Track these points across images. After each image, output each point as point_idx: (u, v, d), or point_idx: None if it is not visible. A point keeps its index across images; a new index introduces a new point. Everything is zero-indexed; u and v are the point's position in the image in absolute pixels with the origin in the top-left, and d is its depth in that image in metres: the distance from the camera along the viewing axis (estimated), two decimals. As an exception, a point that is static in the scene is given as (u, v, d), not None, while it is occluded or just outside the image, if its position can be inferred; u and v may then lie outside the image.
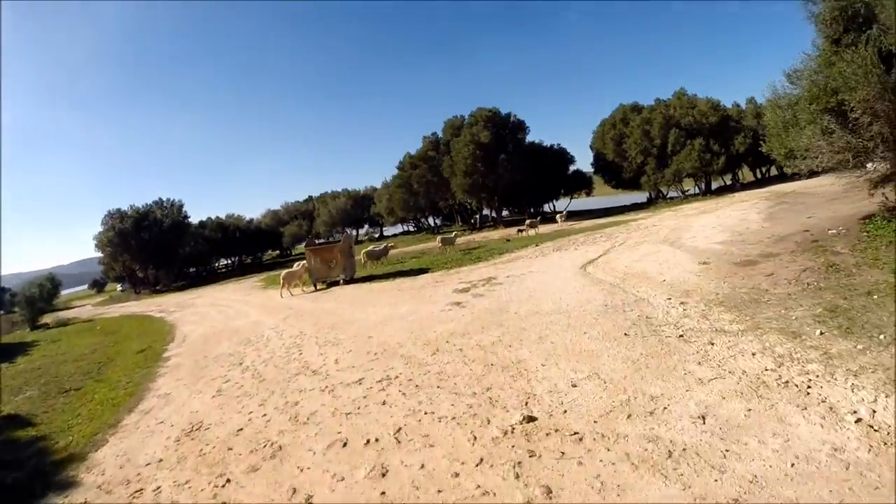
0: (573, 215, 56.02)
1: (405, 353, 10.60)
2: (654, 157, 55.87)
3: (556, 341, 9.61)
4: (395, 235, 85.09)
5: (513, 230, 50.78)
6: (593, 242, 25.00)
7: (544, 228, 44.65)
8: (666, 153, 55.25)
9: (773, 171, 71.33)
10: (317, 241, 27.94)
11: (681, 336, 8.88)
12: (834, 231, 16.66)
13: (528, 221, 45.19)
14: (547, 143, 64.97)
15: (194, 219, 71.48)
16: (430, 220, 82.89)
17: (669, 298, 11.68)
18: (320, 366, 11.00)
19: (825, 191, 35.78)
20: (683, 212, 37.02)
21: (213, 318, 22.47)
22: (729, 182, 63.36)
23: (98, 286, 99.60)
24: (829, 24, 15.09)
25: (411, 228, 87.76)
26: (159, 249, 60.93)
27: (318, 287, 25.16)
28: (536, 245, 27.75)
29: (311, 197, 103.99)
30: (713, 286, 12.21)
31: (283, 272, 26.67)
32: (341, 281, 24.82)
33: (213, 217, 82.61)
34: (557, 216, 50.35)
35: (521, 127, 60.28)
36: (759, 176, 69.72)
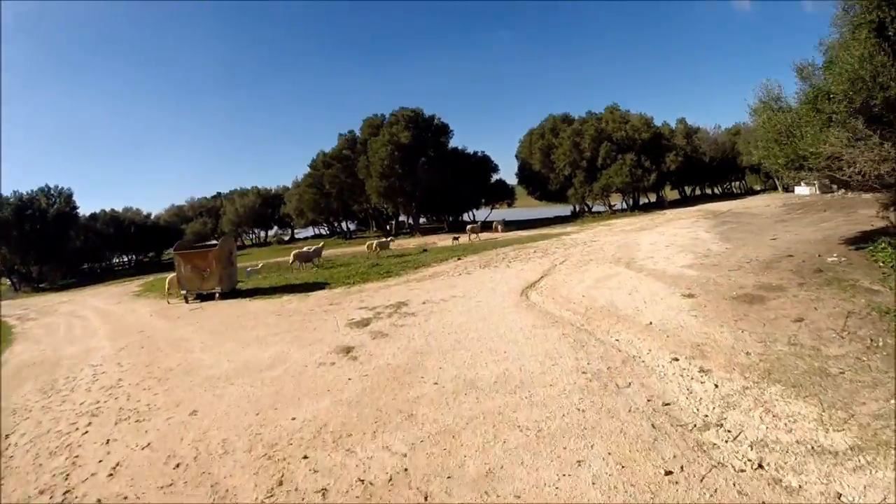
0: (486, 228, 52.40)
1: (218, 482, 5.73)
2: (583, 170, 52.87)
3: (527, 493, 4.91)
4: (305, 239, 79.10)
5: (431, 238, 46.57)
6: (527, 258, 20.86)
7: (462, 240, 40.55)
8: (596, 167, 52.40)
9: (697, 191, 70.77)
10: (195, 245, 22.40)
11: (758, 467, 4.55)
12: (834, 259, 13.63)
13: (469, 227, 41.59)
14: (471, 149, 61.04)
15: (87, 210, 63.66)
16: (344, 225, 77.56)
17: (676, 358, 7.53)
18: (77, 483, 6.07)
19: (764, 211, 33.96)
20: (617, 227, 33.74)
21: (53, 336, 17.28)
22: (654, 199, 61.34)
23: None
24: (869, 9, 11.73)
25: (323, 232, 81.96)
26: (43, 242, 53.02)
27: (189, 300, 19.89)
28: (459, 258, 23.34)
29: (219, 193, 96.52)
30: (728, 336, 8.24)
31: (169, 276, 21.65)
32: (216, 295, 19.55)
33: (106, 209, 74.42)
34: (498, 224, 46.38)
35: (444, 130, 56.12)
36: (684, 194, 68.54)
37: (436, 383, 7.67)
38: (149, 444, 6.85)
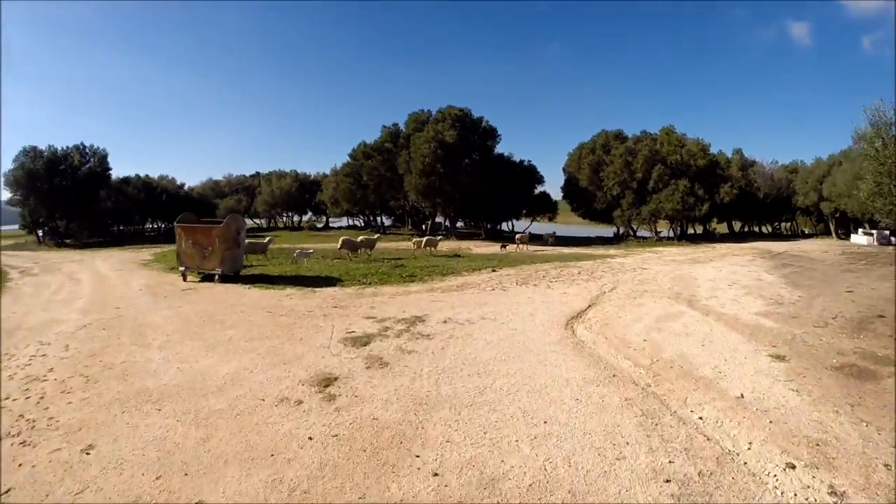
0: (533, 239, 50.25)
1: None
2: (632, 192, 50.27)
3: None
4: (338, 228, 77.77)
5: (466, 243, 44.47)
6: (570, 280, 18.56)
7: (492, 249, 38.45)
8: (646, 189, 49.76)
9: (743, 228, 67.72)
10: (202, 220, 20.69)
11: None
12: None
13: (518, 236, 40.09)
14: (517, 157, 58.78)
15: (123, 173, 63.13)
16: (380, 219, 75.97)
17: (792, 465, 5.20)
18: None
19: (824, 258, 31.45)
20: (666, 256, 31.13)
21: (38, 297, 15.99)
22: (699, 231, 58.36)
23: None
24: None
25: (358, 224, 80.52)
26: (72, 199, 52.67)
27: (186, 278, 18.24)
28: (493, 269, 21.15)
29: (257, 173, 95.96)
30: (851, 432, 6.07)
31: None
32: (216, 277, 17.84)
33: (140, 175, 74.11)
34: (549, 237, 44.59)
35: (491, 133, 53.86)
36: (732, 230, 65.49)
37: (436, 474, 5.01)
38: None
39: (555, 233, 49.34)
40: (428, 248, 31.76)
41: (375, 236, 30.18)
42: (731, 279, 19.73)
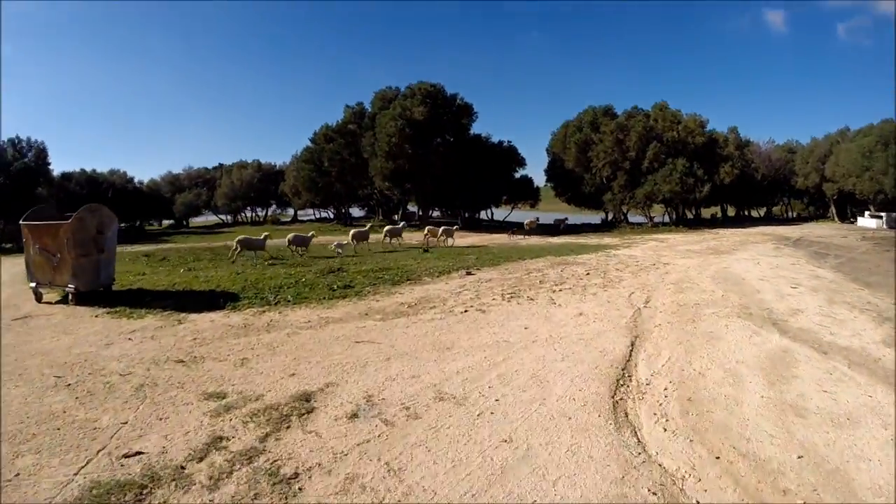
0: (514, 227, 44.97)
1: None
2: (624, 173, 44.89)
3: None
4: (306, 221, 71.90)
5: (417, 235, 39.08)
6: (578, 285, 13.00)
7: (470, 240, 32.86)
8: (640, 169, 44.43)
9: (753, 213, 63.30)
10: (62, 215, 14.58)
11: None
12: None
13: (527, 222, 37.61)
14: (495, 138, 52.73)
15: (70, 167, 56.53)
16: (352, 211, 69.87)
17: None
18: None
19: (848, 243, 28.89)
20: (678, 245, 25.84)
21: None
22: (690, 216, 53.14)
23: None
24: None
25: (329, 216, 73.72)
26: (6, 197, 46.31)
27: (41, 297, 12.40)
28: (468, 272, 15.50)
29: (220, 165, 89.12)
30: None
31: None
32: (70, 296, 12.02)
33: (86, 169, 67.31)
34: (532, 223, 39.06)
35: (466, 111, 47.70)
36: (725, 214, 60.71)
37: None
38: None
39: (538, 218, 44.24)
40: (389, 239, 27.56)
41: (311, 233, 24.57)
42: (787, 278, 14.94)
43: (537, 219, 42.83)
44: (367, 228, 27.07)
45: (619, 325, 9.09)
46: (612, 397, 5.87)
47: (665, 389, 6.15)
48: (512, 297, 11.46)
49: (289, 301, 11.29)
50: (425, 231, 29.49)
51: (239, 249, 21.49)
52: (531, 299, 11.24)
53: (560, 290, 12.30)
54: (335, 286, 12.73)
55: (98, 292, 12.48)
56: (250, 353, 7.79)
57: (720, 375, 6.65)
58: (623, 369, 6.80)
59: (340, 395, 6.00)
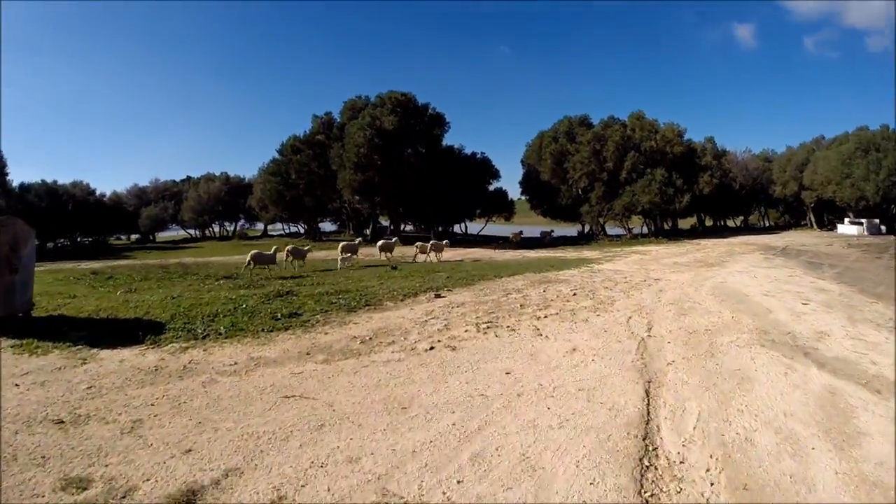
0: (487, 241, 43.39)
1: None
2: (602, 184, 43.53)
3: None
4: (277, 237, 69.51)
5: (412, 249, 37.17)
6: (565, 308, 11.21)
7: (443, 255, 31.08)
8: (618, 180, 43.10)
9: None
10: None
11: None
12: None
13: (512, 234, 38.10)
14: (469, 150, 51.23)
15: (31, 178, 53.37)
16: (324, 225, 67.40)
17: None
18: None
19: (836, 251, 28.31)
20: (663, 259, 24.26)
21: None
22: (667, 227, 51.88)
23: None
24: None
25: (300, 230, 70.59)
26: None
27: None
28: (437, 294, 13.48)
29: (188, 177, 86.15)
30: None
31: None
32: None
33: (47, 181, 64.12)
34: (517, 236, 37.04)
35: (438, 121, 46.22)
36: (703, 224, 59.69)
37: None
38: None
39: (522, 231, 43.30)
40: (290, 258, 24.46)
41: (273, 249, 22.76)
42: (791, 292, 13.87)
43: (521, 232, 41.60)
44: (356, 242, 26.62)
45: (623, 364, 7.28)
46: (641, 494, 4.03)
47: (708, 472, 4.35)
48: (489, 326, 9.58)
49: (220, 334, 9.30)
50: (416, 246, 29.24)
51: (252, 265, 21.60)
52: (512, 329, 9.38)
53: (545, 317, 10.47)
54: (280, 314, 10.73)
55: (14, 318, 10.42)
56: (148, 411, 5.90)
57: (773, 441, 4.89)
58: (644, 438, 4.96)
59: (240, 494, 4.08)
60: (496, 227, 55.65)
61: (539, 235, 44.95)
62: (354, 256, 26.13)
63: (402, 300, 12.56)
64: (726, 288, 14.48)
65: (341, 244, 26.78)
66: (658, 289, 14.39)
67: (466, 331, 9.31)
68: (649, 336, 8.91)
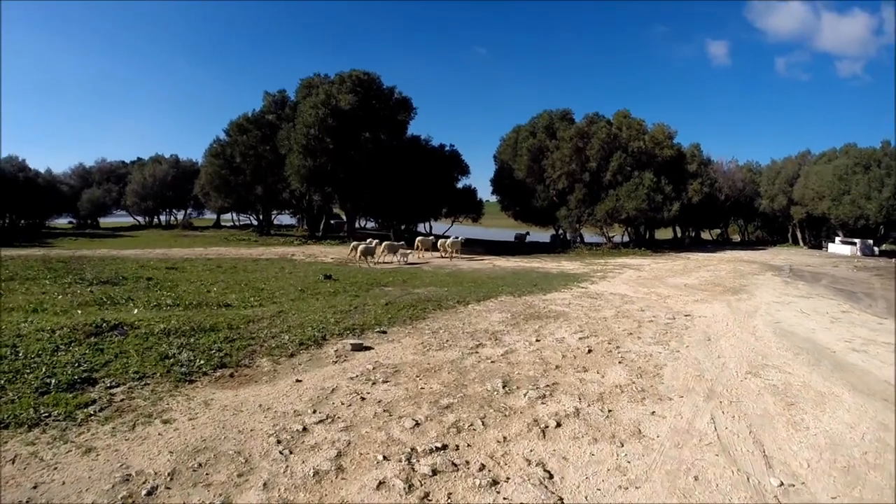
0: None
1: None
2: (583, 186, 38.71)
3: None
4: (228, 227, 63.74)
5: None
6: (588, 396, 6.21)
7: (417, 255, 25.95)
8: (601, 183, 38.42)
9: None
10: None
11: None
12: None
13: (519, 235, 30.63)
14: (437, 141, 45.84)
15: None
16: (278, 217, 61.37)
17: None
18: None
19: (845, 273, 25.34)
20: (664, 278, 19.75)
21: None
22: (627, 237, 47.38)
23: None
24: None
25: (253, 222, 63.84)
26: None
27: None
28: (358, 339, 8.70)
29: (139, 159, 79.00)
30: None
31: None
32: None
33: (-27, 154, 57.00)
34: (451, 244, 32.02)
35: (404, 106, 40.77)
36: (677, 236, 55.62)
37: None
38: None
39: (528, 233, 43.04)
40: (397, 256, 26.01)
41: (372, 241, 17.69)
42: (869, 339, 10.12)
43: (527, 233, 39.39)
44: (373, 244, 25.62)
45: None
46: None
47: None
48: (435, 472, 4.45)
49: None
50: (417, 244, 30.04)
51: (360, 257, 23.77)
52: (493, 483, 4.33)
53: (557, 424, 5.19)
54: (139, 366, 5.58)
55: None
56: None
57: None
58: None
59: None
60: (462, 229, 50.56)
61: (514, 238, 42.91)
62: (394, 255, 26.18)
63: (292, 354, 7.42)
64: (792, 335, 9.88)
65: (384, 244, 26.33)
66: (701, 334, 9.55)
67: (382, 485, 4.20)
68: (784, 489, 4.03)
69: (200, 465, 4.26)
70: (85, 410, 5.19)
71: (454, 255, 29.40)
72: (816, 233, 53.38)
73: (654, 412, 5.68)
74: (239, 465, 4.26)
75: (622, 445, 4.83)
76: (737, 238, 65.72)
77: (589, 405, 5.77)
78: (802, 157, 54.31)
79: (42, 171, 65.30)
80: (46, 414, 5.05)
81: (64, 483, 3.99)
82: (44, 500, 3.74)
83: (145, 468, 4.19)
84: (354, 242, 27.42)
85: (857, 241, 41.40)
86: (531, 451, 4.62)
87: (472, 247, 34.65)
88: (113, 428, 4.89)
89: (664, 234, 55.99)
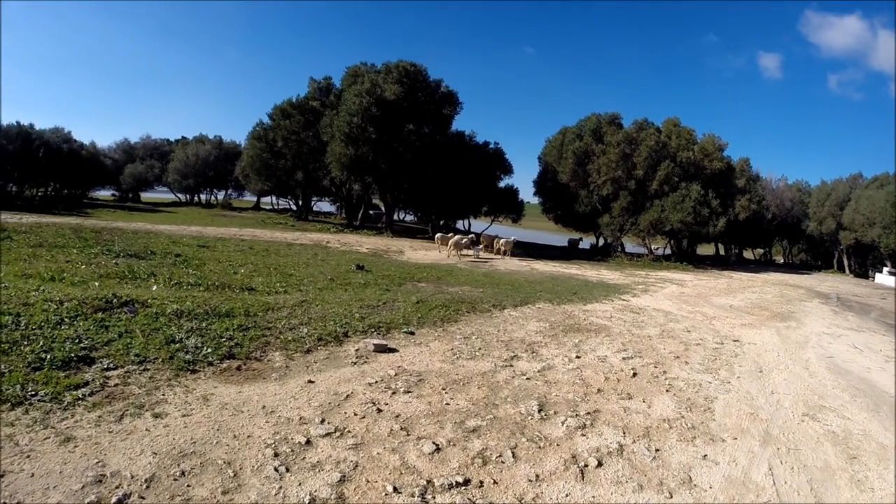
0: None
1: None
2: (628, 193, 37.57)
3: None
4: (268, 211, 63.94)
5: (403, 242, 31.54)
6: (633, 428, 5.58)
7: (433, 255, 25.41)
8: (646, 192, 37.27)
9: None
10: None
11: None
12: None
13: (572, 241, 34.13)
14: (480, 138, 44.94)
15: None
16: (318, 204, 61.50)
17: None
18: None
19: (890, 307, 23.03)
20: (709, 296, 18.81)
21: None
22: (668, 250, 45.80)
23: None
24: None
25: (292, 207, 63.99)
26: None
27: None
28: (382, 340, 8.24)
29: (183, 137, 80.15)
30: None
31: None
32: None
33: (21, 122, 58.11)
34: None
35: (450, 100, 39.88)
36: (719, 253, 53.83)
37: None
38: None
39: (581, 238, 43.75)
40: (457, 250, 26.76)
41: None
42: None
43: (581, 239, 43.76)
44: (464, 240, 27.17)
45: None
46: None
47: None
48: None
49: None
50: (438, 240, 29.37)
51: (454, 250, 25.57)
52: None
53: (598, 464, 4.53)
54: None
55: None
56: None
57: None
58: None
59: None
60: (501, 229, 49.74)
61: (567, 243, 44.52)
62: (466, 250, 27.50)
63: (308, 349, 6.89)
64: (847, 373, 9.07)
65: (453, 238, 26.88)
66: (752, 364, 8.76)
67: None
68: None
69: (184, 473, 3.75)
70: (74, 393, 4.76)
71: (507, 254, 29.88)
72: (862, 261, 51.33)
73: (705, 455, 4.99)
74: (226, 478, 3.73)
75: (671, 496, 4.16)
76: (780, 259, 63.60)
77: (634, 441, 5.10)
78: (854, 179, 52.00)
79: (87, 143, 66.25)
80: (33, 392, 4.64)
81: (33, 475, 3.54)
82: (6, 494, 3.27)
83: (122, 469, 3.70)
84: (439, 234, 29.59)
85: (906, 271, 39.75)
86: (567, 495, 3.98)
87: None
88: (99, 416, 4.44)
89: (705, 249, 54.37)
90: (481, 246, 29.59)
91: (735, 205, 39.62)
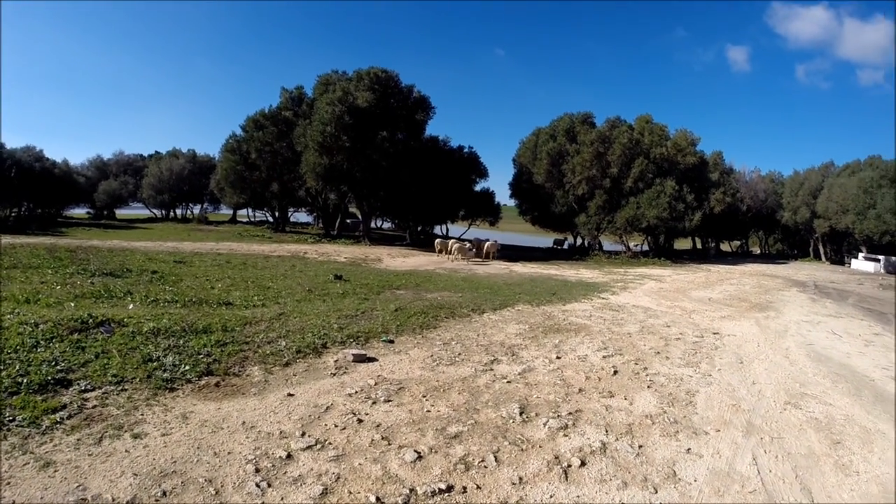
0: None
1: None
2: (604, 192, 37.86)
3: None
4: (244, 223, 63.31)
5: (381, 250, 31.41)
6: (615, 426, 5.64)
7: (413, 261, 25.34)
8: (621, 189, 37.58)
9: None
10: None
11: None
12: None
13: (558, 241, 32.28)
14: (455, 143, 45.00)
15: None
16: (294, 215, 61.17)
17: None
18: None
19: (871, 291, 24.37)
20: (688, 290, 19.00)
21: None
22: (646, 246, 46.19)
23: None
24: None
25: (269, 218, 63.69)
26: None
27: None
28: (360, 350, 8.21)
29: (157, 152, 79.31)
30: None
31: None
32: None
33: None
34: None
35: (422, 105, 39.84)
36: (695, 247, 54.42)
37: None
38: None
39: (566, 239, 44.14)
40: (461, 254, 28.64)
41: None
42: None
43: (565, 239, 44.08)
44: (467, 244, 28.65)
45: None
46: None
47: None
48: None
49: None
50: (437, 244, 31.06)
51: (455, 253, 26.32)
52: None
53: (581, 463, 4.50)
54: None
55: None
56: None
57: None
58: None
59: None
60: (479, 232, 49.80)
61: (552, 244, 45.61)
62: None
63: (287, 362, 6.79)
64: (827, 359, 9.28)
65: (456, 244, 28.96)
66: (732, 356, 8.87)
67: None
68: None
69: (165, 493, 3.68)
70: (52, 417, 4.66)
71: (494, 256, 30.68)
72: (837, 247, 52.25)
73: (689, 449, 5.02)
74: (207, 497, 3.67)
75: (656, 492, 4.18)
76: (756, 251, 64.44)
77: (617, 439, 5.11)
78: (826, 168, 53.10)
79: (59, 161, 65.23)
80: (10, 418, 4.54)
81: (13, 503, 3.43)
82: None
83: (103, 492, 3.63)
84: (438, 240, 31.57)
85: (881, 257, 40.29)
86: (551, 496, 3.98)
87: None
88: (78, 440, 4.35)
89: (682, 244, 54.95)
90: (473, 250, 30.24)
91: (710, 198, 40.02)
